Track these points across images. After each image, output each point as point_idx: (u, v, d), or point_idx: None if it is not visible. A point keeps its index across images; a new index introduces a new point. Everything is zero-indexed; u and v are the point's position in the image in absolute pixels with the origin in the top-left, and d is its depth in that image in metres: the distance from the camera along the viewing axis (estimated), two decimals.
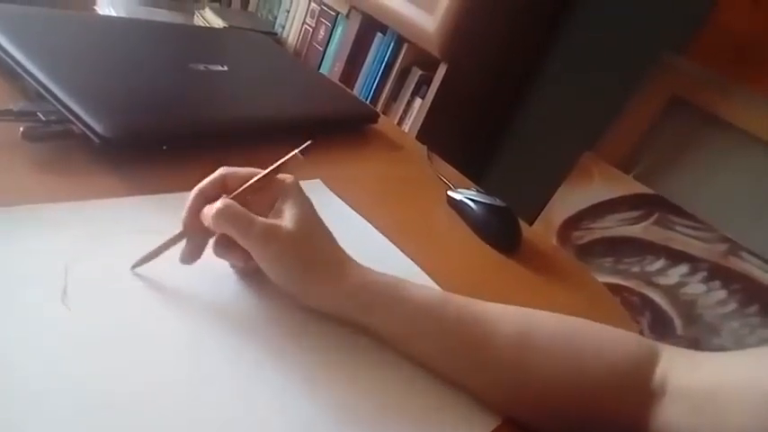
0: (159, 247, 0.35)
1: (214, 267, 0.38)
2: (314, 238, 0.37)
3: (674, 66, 1.01)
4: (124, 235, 0.37)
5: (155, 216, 0.40)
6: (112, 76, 0.51)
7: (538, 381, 0.36)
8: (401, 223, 0.54)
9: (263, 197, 0.37)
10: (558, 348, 0.37)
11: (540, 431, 0.36)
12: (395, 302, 0.37)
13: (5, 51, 0.46)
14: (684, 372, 0.35)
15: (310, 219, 0.37)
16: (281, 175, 0.37)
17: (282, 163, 0.37)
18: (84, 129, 0.41)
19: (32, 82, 0.44)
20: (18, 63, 0.45)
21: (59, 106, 0.42)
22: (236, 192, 0.36)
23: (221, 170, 0.36)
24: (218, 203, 0.34)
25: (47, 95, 0.43)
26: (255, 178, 0.36)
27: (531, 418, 0.37)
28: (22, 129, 0.40)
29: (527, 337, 0.37)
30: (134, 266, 0.35)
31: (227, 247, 0.36)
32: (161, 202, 0.42)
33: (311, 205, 0.38)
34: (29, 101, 0.45)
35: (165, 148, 0.46)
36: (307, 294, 0.37)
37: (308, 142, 0.39)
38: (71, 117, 0.42)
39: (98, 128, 0.41)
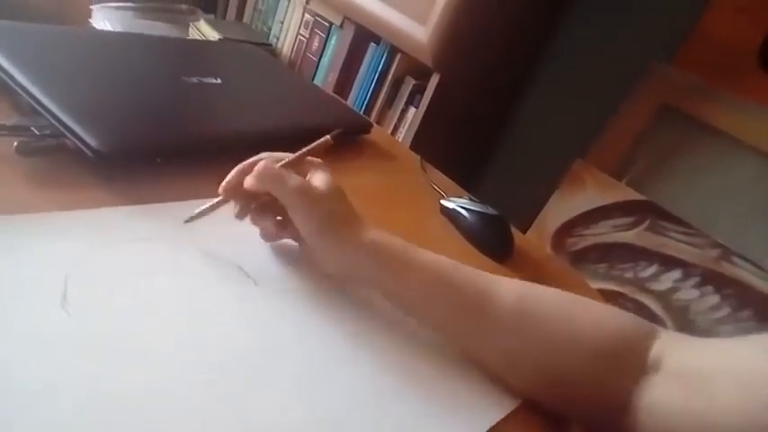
0: (204, 208, 0.41)
1: (209, 271, 0.39)
2: (340, 201, 0.41)
3: (663, 74, 1.03)
4: (124, 244, 0.38)
5: (151, 225, 0.41)
6: (106, 89, 0.51)
7: (536, 347, 0.37)
8: (395, 232, 0.54)
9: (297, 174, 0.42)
10: (556, 316, 0.38)
11: (548, 407, 0.38)
12: (408, 262, 0.40)
13: None
14: (680, 353, 0.36)
15: (336, 186, 0.42)
16: (310, 158, 0.43)
17: (316, 145, 0.43)
18: (77, 143, 0.42)
19: (26, 96, 0.44)
20: (11, 78, 0.45)
21: (53, 121, 0.43)
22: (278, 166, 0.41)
23: (262, 155, 0.42)
24: (261, 164, 0.39)
25: (40, 110, 0.43)
26: (294, 156, 0.42)
27: (534, 391, 0.38)
28: (15, 143, 0.41)
29: (526, 305, 0.39)
30: (187, 221, 0.40)
31: (263, 214, 0.42)
32: (157, 211, 0.43)
33: (336, 180, 0.42)
34: (23, 116, 0.45)
35: (159, 161, 0.47)
36: (328, 249, 0.39)
37: (339, 130, 0.44)
38: (65, 131, 0.42)
39: (92, 142, 0.41)
